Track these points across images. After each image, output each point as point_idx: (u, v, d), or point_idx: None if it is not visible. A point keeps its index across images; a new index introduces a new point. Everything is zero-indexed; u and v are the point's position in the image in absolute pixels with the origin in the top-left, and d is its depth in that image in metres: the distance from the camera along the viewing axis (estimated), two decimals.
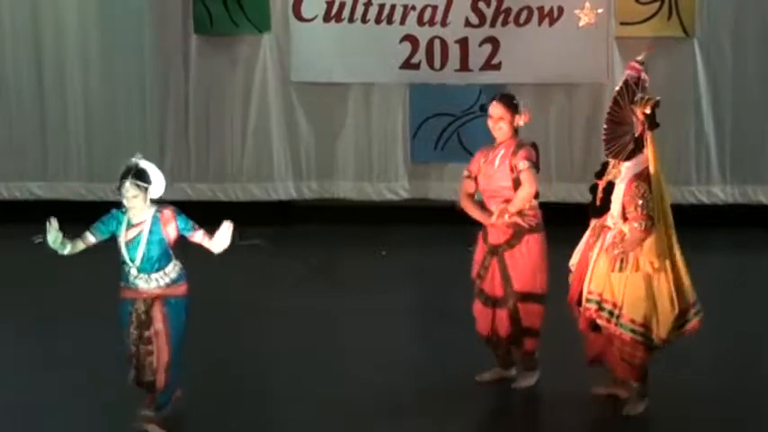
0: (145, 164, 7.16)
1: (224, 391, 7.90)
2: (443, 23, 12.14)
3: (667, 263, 7.35)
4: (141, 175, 7.09)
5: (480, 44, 12.13)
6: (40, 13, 12.45)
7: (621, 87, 7.37)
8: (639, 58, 7.46)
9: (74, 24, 12.45)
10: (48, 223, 7.10)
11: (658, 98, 7.31)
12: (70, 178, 12.67)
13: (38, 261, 10.98)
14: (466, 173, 8.00)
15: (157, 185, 7.18)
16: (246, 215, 12.12)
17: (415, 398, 7.83)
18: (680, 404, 7.70)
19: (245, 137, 12.57)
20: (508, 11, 12.05)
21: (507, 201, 7.75)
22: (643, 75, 7.41)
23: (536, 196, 7.81)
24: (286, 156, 12.58)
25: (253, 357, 8.69)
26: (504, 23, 12.09)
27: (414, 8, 12.13)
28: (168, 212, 7.18)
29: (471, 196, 7.97)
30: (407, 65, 12.24)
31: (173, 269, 7.24)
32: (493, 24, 12.08)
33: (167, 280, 7.22)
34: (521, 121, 7.87)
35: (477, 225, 7.94)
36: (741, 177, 12.21)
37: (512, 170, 7.76)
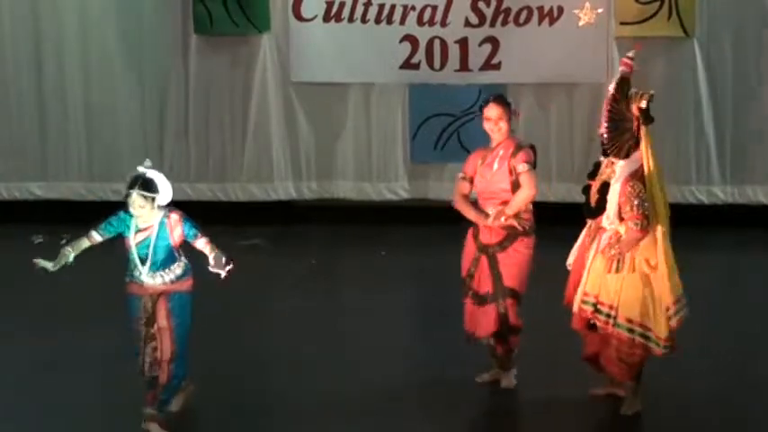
0: (152, 173, 7.16)
1: (224, 391, 7.88)
2: (443, 23, 12.12)
3: (662, 260, 7.34)
4: (148, 186, 7.10)
5: (480, 44, 12.10)
6: (41, 14, 12.42)
7: (618, 84, 7.34)
8: (630, 54, 7.47)
9: (74, 25, 12.41)
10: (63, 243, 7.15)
11: (652, 92, 7.30)
12: (70, 178, 12.64)
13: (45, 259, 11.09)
14: (461, 174, 7.97)
15: (164, 194, 7.19)
16: (246, 215, 12.23)
17: (415, 397, 7.81)
18: (677, 404, 7.67)
19: (245, 137, 12.55)
20: (508, 11, 12.02)
21: (505, 202, 7.72)
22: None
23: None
24: (286, 156, 12.56)
25: (253, 357, 8.65)
26: (504, 23, 12.06)
27: (413, 8, 12.11)
28: (175, 217, 7.20)
29: (466, 197, 7.95)
30: (407, 65, 12.22)
31: (178, 265, 7.27)
32: (493, 24, 12.05)
33: (172, 276, 7.25)
34: (515, 120, 7.88)
35: (470, 224, 7.93)
36: (741, 177, 12.18)
37: (511, 172, 7.72)
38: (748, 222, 12.01)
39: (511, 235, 7.75)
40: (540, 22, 12.01)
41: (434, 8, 12.09)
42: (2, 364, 8.56)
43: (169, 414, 7.37)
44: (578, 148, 12.21)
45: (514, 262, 7.76)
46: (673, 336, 7.40)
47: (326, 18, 12.22)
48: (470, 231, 7.92)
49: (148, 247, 7.15)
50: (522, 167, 7.69)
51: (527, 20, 12.02)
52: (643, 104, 7.23)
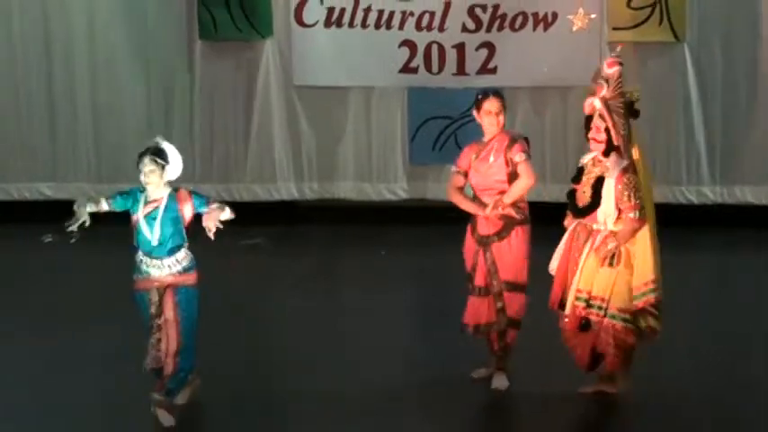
0: (165, 145, 7.23)
1: (224, 389, 7.81)
2: (441, 29, 12.12)
3: (646, 240, 7.36)
4: (160, 153, 7.17)
5: (477, 49, 12.10)
6: (51, 20, 12.44)
7: (619, 82, 7.36)
8: (617, 52, 7.48)
9: (83, 31, 12.44)
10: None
11: (638, 86, 7.33)
12: (79, 179, 12.64)
13: (48, 260, 11.07)
14: (455, 168, 7.95)
15: (175, 166, 7.23)
16: (250, 215, 12.18)
17: (415, 397, 7.76)
18: (666, 401, 7.63)
19: (249, 139, 12.56)
20: (504, 16, 12.03)
21: (502, 193, 7.70)
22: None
23: None
24: (288, 157, 12.58)
25: (253, 355, 8.63)
26: (500, 29, 12.06)
27: (412, 14, 12.11)
28: (184, 192, 7.24)
29: (461, 190, 7.93)
30: (406, 69, 12.22)
31: (184, 257, 7.25)
32: (489, 29, 12.06)
33: (179, 267, 7.23)
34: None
35: (468, 221, 7.91)
36: (730, 178, 12.16)
37: (507, 164, 7.71)
38: (737, 222, 11.99)
39: (508, 224, 7.73)
40: (534, 28, 12.02)
41: (432, 14, 12.09)
42: (15, 363, 8.52)
43: (174, 407, 7.34)
44: (572, 149, 12.17)
45: (512, 254, 7.74)
46: (658, 323, 7.37)
47: (328, 24, 12.22)
48: (468, 227, 7.90)
49: (155, 219, 7.13)
50: (519, 157, 7.69)
51: (522, 25, 12.03)
52: (636, 100, 7.28)
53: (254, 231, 11.59)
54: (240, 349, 8.74)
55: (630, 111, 7.36)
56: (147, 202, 7.18)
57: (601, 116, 7.38)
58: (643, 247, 7.39)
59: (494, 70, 12.09)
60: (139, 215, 7.16)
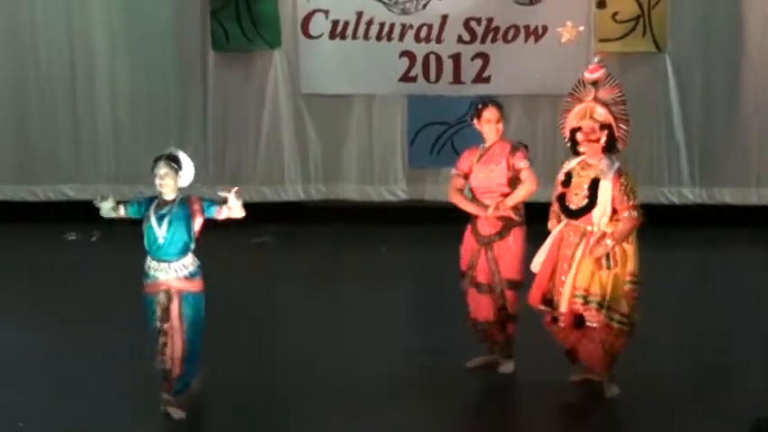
0: (180, 152, 7.30)
1: (225, 387, 7.75)
2: (438, 40, 12.19)
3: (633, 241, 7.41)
4: (174, 159, 7.22)
5: (472, 59, 12.17)
6: (74, 33, 12.51)
7: (611, 78, 7.42)
8: (598, 59, 7.56)
9: (103, 44, 12.51)
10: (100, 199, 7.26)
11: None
12: (99, 181, 12.65)
13: (71, 257, 11.11)
14: (455, 171, 7.99)
15: (187, 173, 7.27)
16: (259, 215, 12.24)
17: (415, 395, 7.68)
18: (646, 389, 7.66)
19: (259, 143, 12.62)
20: (497, 29, 12.09)
21: (502, 195, 7.77)
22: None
23: None
24: (296, 160, 12.63)
25: (256, 353, 8.59)
26: (494, 40, 12.13)
27: (411, 26, 12.18)
28: (194, 197, 7.27)
29: (461, 191, 7.99)
30: (406, 78, 12.29)
31: (191, 263, 7.24)
32: (483, 41, 12.12)
33: (185, 272, 7.21)
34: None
35: (467, 221, 7.97)
36: (709, 180, 12.24)
37: (509, 168, 7.77)
38: (715, 221, 12.03)
39: (507, 225, 7.80)
40: (526, 40, 12.09)
41: (430, 26, 12.15)
42: (40, 356, 8.53)
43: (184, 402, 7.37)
44: (561, 153, 12.19)
45: (511, 253, 7.82)
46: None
47: (332, 36, 12.27)
48: (469, 227, 7.96)
49: (164, 217, 7.14)
50: (523, 164, 7.76)
51: (514, 37, 12.10)
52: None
53: (263, 230, 11.61)
54: (243, 346, 8.67)
55: None
56: (159, 204, 7.22)
57: (593, 119, 7.39)
58: (633, 245, 7.42)
59: (488, 79, 12.15)
60: (150, 213, 7.18)
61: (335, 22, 12.25)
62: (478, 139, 7.98)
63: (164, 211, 7.18)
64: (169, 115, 12.58)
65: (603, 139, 7.36)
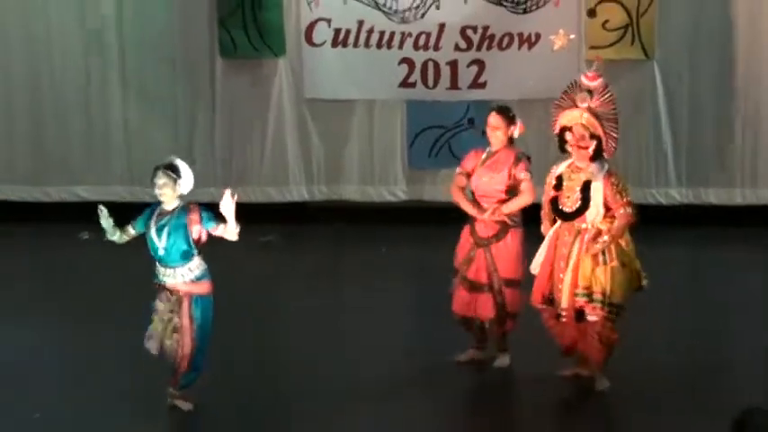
0: (178, 161, 7.21)
1: (226, 387, 7.70)
2: (436, 48, 12.15)
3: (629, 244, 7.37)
4: (172, 168, 7.14)
5: (468, 65, 12.13)
6: (87, 42, 12.48)
7: (606, 90, 7.37)
8: (594, 68, 7.50)
9: (115, 51, 12.47)
10: (99, 211, 7.14)
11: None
12: (112, 182, 12.64)
13: (85, 257, 11.06)
14: (459, 169, 7.97)
15: (186, 181, 7.18)
16: (264, 215, 12.22)
17: (415, 394, 7.65)
18: (638, 385, 7.64)
19: (264, 146, 12.58)
20: (492, 37, 12.05)
21: (499, 201, 7.72)
22: None
23: None
24: (299, 162, 12.60)
25: (259, 353, 8.55)
26: (489, 48, 12.09)
27: (410, 35, 12.14)
28: (193, 207, 7.19)
29: (463, 190, 7.95)
30: (405, 84, 12.25)
31: (197, 266, 7.18)
32: (479, 48, 12.08)
33: (191, 276, 7.16)
34: (515, 131, 7.84)
35: (465, 221, 7.91)
36: (695, 181, 12.20)
37: (509, 177, 7.74)
38: (701, 221, 11.99)
39: (503, 228, 7.78)
40: (520, 47, 12.05)
41: (428, 35, 12.11)
42: (54, 354, 8.50)
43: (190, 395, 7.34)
44: (553, 155, 12.15)
45: (508, 254, 7.80)
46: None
47: (334, 43, 12.24)
48: (467, 228, 7.93)
49: (164, 228, 7.09)
50: (523, 175, 7.74)
51: (509, 45, 12.06)
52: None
53: (268, 229, 11.59)
54: (246, 346, 8.60)
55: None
56: (159, 214, 7.17)
57: (584, 126, 7.32)
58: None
59: (483, 85, 12.12)
60: (151, 224, 7.14)
61: (338, 31, 12.21)
62: (475, 142, 7.95)
63: (163, 222, 7.12)
64: (178, 119, 12.56)
65: (592, 149, 7.31)
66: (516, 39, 12.05)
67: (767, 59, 11.98)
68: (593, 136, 7.32)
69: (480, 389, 7.88)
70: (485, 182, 7.78)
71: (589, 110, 7.35)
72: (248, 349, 8.56)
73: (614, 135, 7.35)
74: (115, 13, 12.41)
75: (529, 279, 7.76)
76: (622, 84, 11.66)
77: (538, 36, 11.88)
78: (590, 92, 7.40)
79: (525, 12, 11.99)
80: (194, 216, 7.13)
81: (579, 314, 7.40)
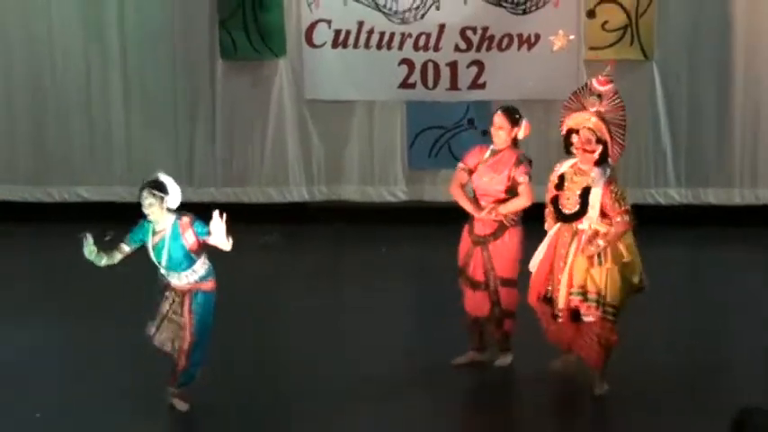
0: (163, 177, 7.13)
1: (226, 387, 7.68)
2: (436, 48, 12.09)
3: (632, 250, 7.34)
4: (157, 186, 7.05)
5: (468, 66, 12.08)
6: (88, 44, 12.43)
7: (616, 96, 7.35)
8: (605, 72, 7.46)
9: (116, 52, 12.42)
10: (84, 238, 7.09)
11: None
12: (113, 183, 12.60)
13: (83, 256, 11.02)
14: (461, 165, 7.95)
15: (174, 196, 7.11)
16: (265, 215, 12.21)
17: (416, 393, 7.63)
18: (638, 385, 7.62)
19: (265, 146, 12.53)
20: (492, 38, 12.00)
21: (497, 201, 7.70)
22: None
23: None
24: (300, 163, 12.56)
25: (259, 352, 8.52)
26: (489, 49, 12.03)
27: (410, 35, 12.09)
28: (186, 219, 7.11)
29: (463, 186, 7.93)
30: (405, 84, 12.20)
31: (201, 267, 7.18)
32: (479, 49, 12.03)
33: (196, 277, 7.18)
34: (519, 132, 7.81)
35: (465, 221, 7.87)
36: (694, 181, 12.16)
37: (509, 179, 7.71)
38: (700, 221, 11.95)
39: (501, 227, 7.76)
40: (519, 48, 12.00)
41: (428, 35, 12.06)
42: (59, 352, 8.50)
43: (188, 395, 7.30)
44: (553, 155, 12.11)
45: (506, 253, 7.78)
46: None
47: (335, 44, 12.19)
48: (466, 227, 7.90)
49: (163, 248, 7.05)
50: (522, 179, 7.72)
51: (508, 45, 12.01)
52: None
53: (268, 229, 11.56)
54: (247, 346, 8.58)
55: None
56: (154, 233, 7.12)
57: (591, 129, 7.29)
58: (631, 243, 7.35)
59: (483, 86, 12.07)
60: (148, 245, 7.12)
61: (338, 32, 12.16)
62: (475, 142, 7.93)
63: (161, 242, 7.07)
64: (179, 120, 12.52)
65: (597, 153, 7.29)
66: (516, 39, 11.99)
67: (767, 59, 11.95)
68: (599, 140, 7.31)
69: (480, 389, 7.86)
70: (485, 181, 7.77)
71: (597, 114, 7.33)
72: (248, 349, 8.54)
73: (621, 141, 7.34)
74: (117, 13, 12.36)
75: (526, 277, 7.72)
76: (621, 84, 11.58)
77: (537, 37, 11.84)
78: (599, 96, 7.37)
79: (525, 12, 11.94)
80: (185, 225, 7.08)
81: (575, 314, 7.37)
